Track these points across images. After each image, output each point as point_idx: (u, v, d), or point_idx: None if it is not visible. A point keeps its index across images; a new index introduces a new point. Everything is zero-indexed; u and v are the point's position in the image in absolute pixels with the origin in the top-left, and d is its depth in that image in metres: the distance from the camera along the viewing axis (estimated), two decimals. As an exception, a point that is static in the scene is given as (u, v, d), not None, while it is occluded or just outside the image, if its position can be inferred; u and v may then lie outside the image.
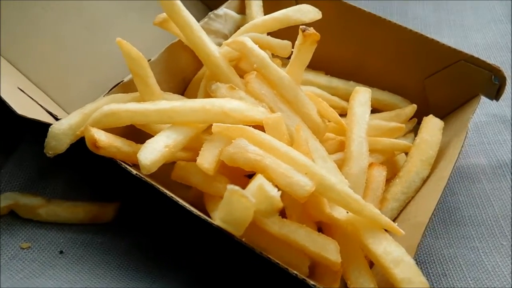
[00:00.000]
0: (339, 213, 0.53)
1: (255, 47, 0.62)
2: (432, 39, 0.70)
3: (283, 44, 0.68)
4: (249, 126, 0.55)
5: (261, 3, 0.80)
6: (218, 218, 0.37)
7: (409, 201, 0.60)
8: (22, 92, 0.60)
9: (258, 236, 0.51)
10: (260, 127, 0.55)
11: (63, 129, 0.53)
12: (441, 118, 0.69)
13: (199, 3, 0.94)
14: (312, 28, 0.59)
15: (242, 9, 0.82)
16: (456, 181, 0.69)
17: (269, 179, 0.46)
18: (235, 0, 0.81)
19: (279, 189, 0.44)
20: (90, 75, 0.76)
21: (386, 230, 0.50)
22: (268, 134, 0.54)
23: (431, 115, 0.65)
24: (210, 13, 0.77)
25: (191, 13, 0.73)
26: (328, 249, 0.48)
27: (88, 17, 0.80)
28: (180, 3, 0.62)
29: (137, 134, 0.58)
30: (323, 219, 0.52)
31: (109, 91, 0.62)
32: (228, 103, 0.55)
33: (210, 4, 0.93)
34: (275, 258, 0.51)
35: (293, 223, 0.50)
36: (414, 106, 0.72)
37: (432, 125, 0.64)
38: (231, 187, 0.36)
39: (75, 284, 0.48)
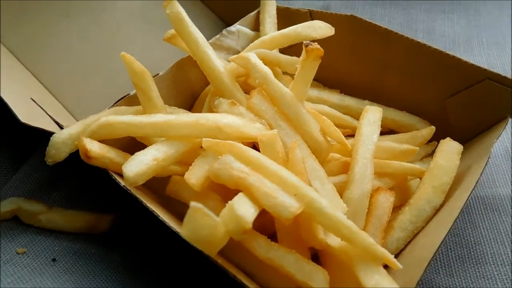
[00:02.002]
0: (334, 240, 0.49)
1: (259, 63, 0.61)
2: (454, 56, 0.65)
3: (291, 61, 0.67)
4: (246, 142, 0.54)
5: (275, 20, 0.79)
6: (183, 235, 0.35)
7: (418, 232, 0.55)
8: (34, 103, 0.63)
9: (246, 259, 0.49)
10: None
11: (63, 138, 0.54)
12: (464, 142, 0.63)
13: (218, 20, 0.96)
14: (316, 43, 0.57)
15: (257, 26, 0.82)
16: (480, 212, 0.62)
17: (253, 198, 0.43)
18: (250, 17, 0.81)
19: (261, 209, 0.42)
20: (107, 89, 0.79)
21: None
22: (262, 151, 0.52)
23: (448, 138, 0.60)
24: (224, 30, 0.78)
25: (209, 29, 0.74)
26: (315, 279, 0.44)
27: (109, 35, 0.84)
28: (188, 19, 0.63)
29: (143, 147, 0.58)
30: (316, 245, 0.49)
31: (114, 104, 0.63)
32: (224, 118, 0.54)
33: (229, 21, 0.94)
34: (261, 283, 0.48)
35: (281, 248, 0.47)
36: (432, 127, 0.67)
37: (448, 148, 0.58)
38: (193, 204, 0.34)
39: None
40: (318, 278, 0.44)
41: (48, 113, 0.62)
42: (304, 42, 0.57)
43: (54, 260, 0.55)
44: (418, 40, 0.68)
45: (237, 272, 0.43)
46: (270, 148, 0.52)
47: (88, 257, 0.57)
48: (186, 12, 0.63)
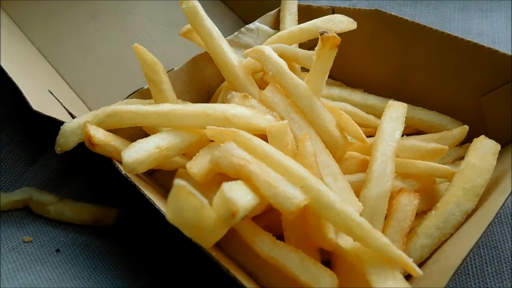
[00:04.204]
0: (345, 241, 0.44)
1: (273, 55, 0.58)
2: (490, 48, 0.59)
3: (308, 55, 0.64)
4: (258, 135, 0.51)
5: (296, 17, 0.77)
6: (167, 217, 0.32)
7: (446, 240, 0.48)
8: (53, 97, 0.64)
9: (249, 258, 0.45)
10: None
11: (72, 127, 0.54)
12: (503, 144, 0.56)
13: (241, 22, 0.95)
14: (332, 31, 0.53)
15: (277, 25, 0.80)
16: (523, 223, 0.54)
17: (253, 187, 0.40)
18: (270, 16, 0.79)
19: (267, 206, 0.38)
20: (128, 87, 0.80)
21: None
22: (270, 143, 0.48)
23: (483, 136, 0.53)
24: (242, 27, 0.76)
25: (230, 31, 0.73)
26: (321, 281, 0.40)
27: (132, 35, 0.86)
28: (203, 13, 0.62)
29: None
30: (325, 246, 0.44)
31: (127, 96, 0.63)
32: (232, 108, 0.51)
33: (251, 22, 0.93)
34: (264, 284, 0.44)
35: (286, 246, 0.43)
36: (465, 127, 0.60)
37: (483, 147, 0.52)
38: (177, 181, 0.31)
39: (52, 284, 0.47)
40: (325, 281, 0.40)
41: (63, 105, 0.62)
42: (319, 30, 0.54)
43: (58, 250, 0.54)
44: (449, 33, 0.62)
45: (232, 267, 0.39)
46: (279, 139, 0.48)
47: (92, 250, 0.55)
48: (208, 13, 0.62)
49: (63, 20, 0.83)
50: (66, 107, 0.64)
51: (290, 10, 0.77)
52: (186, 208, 0.31)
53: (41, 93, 0.62)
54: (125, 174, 0.48)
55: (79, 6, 0.87)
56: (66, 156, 0.68)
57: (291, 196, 0.38)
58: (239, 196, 0.34)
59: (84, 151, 0.55)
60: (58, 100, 0.63)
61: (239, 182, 0.38)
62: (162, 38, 0.88)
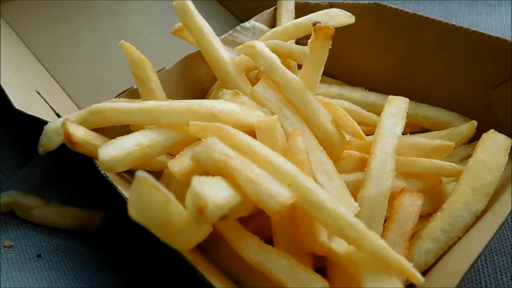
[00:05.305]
0: (339, 245, 0.40)
1: (265, 50, 0.55)
2: (498, 38, 0.55)
3: (304, 50, 0.61)
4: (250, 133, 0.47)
5: (293, 15, 0.74)
6: (129, 213, 0.29)
7: (454, 244, 0.44)
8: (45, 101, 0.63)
9: (235, 263, 0.42)
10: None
11: (55, 127, 0.52)
12: (516, 141, 0.51)
13: (238, 22, 0.93)
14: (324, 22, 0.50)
15: (274, 23, 0.77)
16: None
17: (236, 186, 0.37)
18: (266, 14, 0.76)
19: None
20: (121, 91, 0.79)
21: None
22: (259, 140, 0.45)
23: (492, 130, 0.49)
24: (238, 26, 0.74)
25: (226, 31, 0.71)
26: (311, 289, 0.36)
27: (129, 38, 0.84)
28: (194, 9, 0.60)
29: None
30: (316, 250, 0.40)
31: (116, 96, 0.61)
32: (219, 104, 0.48)
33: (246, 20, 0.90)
34: (250, 292, 0.40)
35: (274, 251, 0.39)
36: (473, 122, 0.56)
37: (493, 142, 0.47)
38: (139, 173, 0.28)
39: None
40: (314, 288, 0.36)
41: (51, 106, 0.61)
42: (312, 21, 0.51)
43: (39, 256, 0.52)
44: (453, 24, 0.58)
45: (210, 273, 0.36)
46: (268, 135, 0.45)
47: (75, 256, 0.53)
48: (204, 13, 0.60)
49: (59, 24, 0.82)
50: (56, 109, 0.62)
51: (287, 8, 0.74)
52: (150, 203, 0.28)
53: (29, 93, 0.60)
54: (104, 173, 0.45)
55: (76, 10, 0.86)
56: (56, 159, 0.66)
57: (276, 194, 0.35)
58: (212, 191, 0.31)
59: (75, 154, 0.53)
60: (46, 101, 0.61)
61: (217, 177, 0.35)
62: (159, 41, 0.87)
